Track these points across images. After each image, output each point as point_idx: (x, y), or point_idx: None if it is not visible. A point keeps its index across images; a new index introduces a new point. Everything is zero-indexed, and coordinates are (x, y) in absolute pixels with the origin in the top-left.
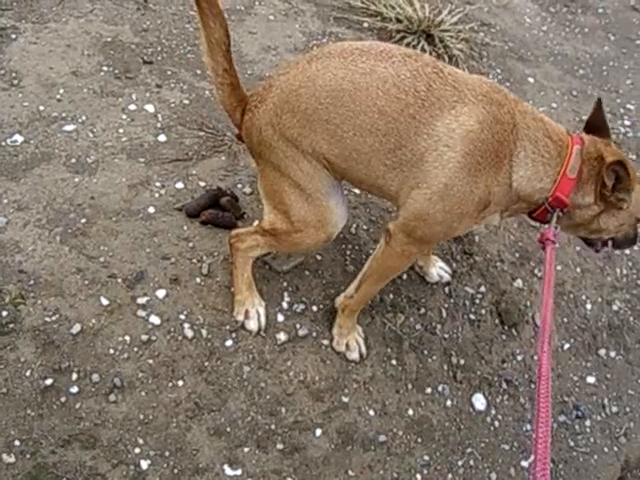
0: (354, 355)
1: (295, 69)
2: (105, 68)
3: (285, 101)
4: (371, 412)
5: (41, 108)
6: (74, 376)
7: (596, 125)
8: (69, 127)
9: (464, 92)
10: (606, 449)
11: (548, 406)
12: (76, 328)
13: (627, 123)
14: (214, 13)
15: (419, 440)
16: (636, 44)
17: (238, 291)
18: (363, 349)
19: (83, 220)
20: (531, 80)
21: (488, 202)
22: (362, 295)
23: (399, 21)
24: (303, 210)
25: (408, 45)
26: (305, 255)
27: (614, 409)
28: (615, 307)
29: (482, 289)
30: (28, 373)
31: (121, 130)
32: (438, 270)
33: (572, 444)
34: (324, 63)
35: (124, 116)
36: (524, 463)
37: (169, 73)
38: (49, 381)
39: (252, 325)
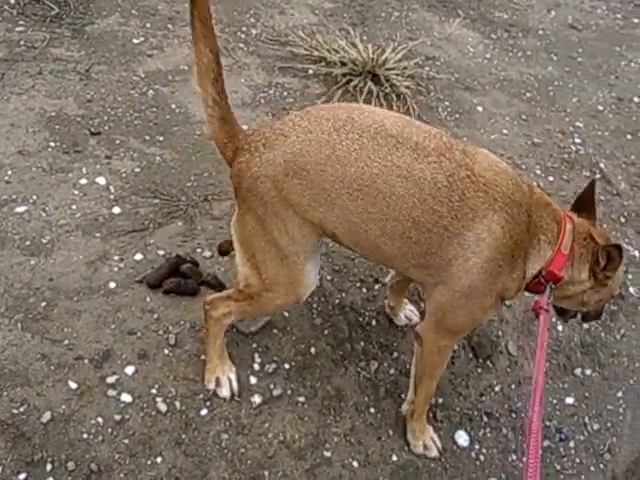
0: (434, 452)
1: (320, 134)
2: (52, 144)
3: (302, 168)
4: (355, 464)
5: None
6: (48, 467)
7: (584, 205)
8: (20, 209)
9: (495, 198)
10: (592, 468)
11: (537, 464)
12: (46, 417)
13: (578, 141)
14: (205, 35)
15: None
16: (578, 61)
17: (209, 359)
18: (439, 444)
19: (43, 304)
20: (480, 109)
21: (504, 294)
22: (423, 396)
23: (344, 64)
24: (275, 269)
25: (355, 87)
26: (271, 314)
27: (595, 426)
28: (586, 325)
29: None
30: None
31: (74, 206)
32: (407, 312)
33: (558, 467)
34: (357, 144)
35: (76, 191)
36: None
37: (118, 142)
38: (22, 476)
39: (224, 392)
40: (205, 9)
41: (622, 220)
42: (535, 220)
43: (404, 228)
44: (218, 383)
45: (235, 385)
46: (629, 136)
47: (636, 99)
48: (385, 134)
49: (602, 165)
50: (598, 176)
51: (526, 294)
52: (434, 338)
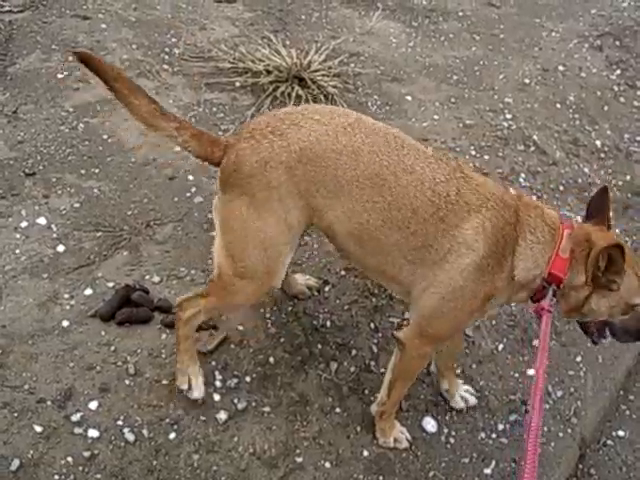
0: (404, 444)
1: (335, 126)
2: None
3: (318, 155)
4: (327, 465)
5: None
6: None
7: (596, 210)
8: None
9: (487, 197)
10: (561, 434)
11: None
12: (15, 464)
13: (508, 116)
14: (133, 90)
15: (381, 478)
16: (501, 38)
17: (180, 360)
18: (408, 436)
19: None
20: (409, 98)
21: (492, 295)
22: (395, 398)
23: (269, 72)
24: (255, 257)
25: (283, 94)
26: (226, 330)
27: (559, 393)
28: None
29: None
30: None
31: (18, 250)
32: (463, 394)
33: None
34: (370, 140)
35: (18, 235)
36: (487, 470)
37: (54, 180)
38: None
39: (196, 394)
40: (124, 79)
41: (561, 188)
42: (523, 219)
43: (404, 217)
44: (190, 386)
45: (202, 388)
46: (558, 105)
47: (561, 68)
48: (392, 136)
49: (535, 137)
50: (532, 148)
51: None
52: (417, 345)
